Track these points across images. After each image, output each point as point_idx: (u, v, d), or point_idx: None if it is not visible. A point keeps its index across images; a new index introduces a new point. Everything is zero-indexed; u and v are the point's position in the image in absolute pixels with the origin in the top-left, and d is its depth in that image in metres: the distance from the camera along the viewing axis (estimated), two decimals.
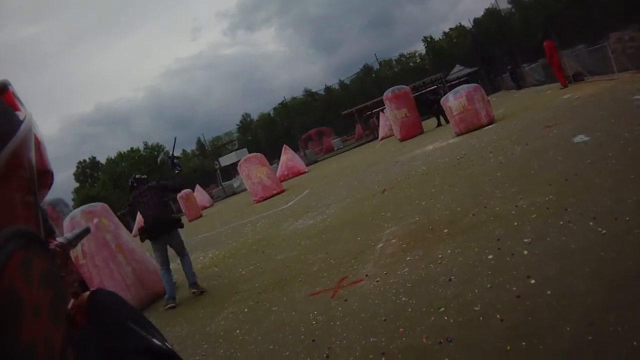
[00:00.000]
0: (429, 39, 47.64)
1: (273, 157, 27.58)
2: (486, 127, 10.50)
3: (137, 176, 5.40)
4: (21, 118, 0.35)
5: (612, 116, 5.88)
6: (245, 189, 19.37)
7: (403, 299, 2.91)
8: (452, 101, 11.23)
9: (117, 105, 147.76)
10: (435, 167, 7.49)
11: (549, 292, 2.27)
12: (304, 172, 20.48)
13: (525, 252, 2.85)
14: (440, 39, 47.79)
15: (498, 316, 2.25)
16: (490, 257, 3.00)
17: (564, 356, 1.81)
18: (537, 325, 2.05)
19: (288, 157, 21.20)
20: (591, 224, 2.88)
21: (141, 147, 51.12)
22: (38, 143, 0.59)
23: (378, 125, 26.98)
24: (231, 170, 32.22)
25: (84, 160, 51.38)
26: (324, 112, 42.72)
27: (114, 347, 0.56)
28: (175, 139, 5.94)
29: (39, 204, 0.37)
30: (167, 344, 0.59)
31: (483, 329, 2.20)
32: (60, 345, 0.32)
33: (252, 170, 14.78)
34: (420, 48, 48.33)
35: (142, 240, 5.12)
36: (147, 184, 5.16)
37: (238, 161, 16.91)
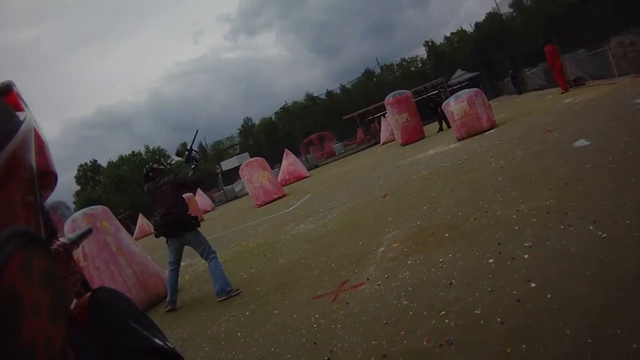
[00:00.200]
0: (430, 44, 47.62)
1: (274, 161, 27.55)
2: (487, 132, 10.52)
3: (155, 165, 5.02)
4: (21, 118, 0.35)
5: (612, 120, 5.90)
6: (247, 193, 19.37)
7: (404, 302, 2.92)
8: (454, 106, 11.26)
9: (119, 109, 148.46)
10: (437, 171, 7.51)
11: (549, 296, 2.28)
12: (306, 177, 20.50)
13: (526, 256, 2.86)
14: (441, 44, 47.75)
15: (498, 319, 2.26)
16: (491, 261, 3.01)
17: (564, 359, 1.82)
18: (538, 328, 2.06)
19: (289, 161, 21.20)
20: (591, 227, 2.89)
21: (142, 151, 51.23)
22: (42, 144, 0.59)
23: (379, 130, 26.95)
24: (233, 175, 32.28)
25: (85, 163, 51.40)
26: (325, 117, 42.66)
27: (114, 346, 0.55)
28: (197, 131, 5.14)
29: (40, 205, 0.37)
30: (168, 343, 0.59)
31: (484, 332, 2.21)
32: (60, 345, 0.32)
33: (254, 174, 14.82)
34: (422, 52, 48.21)
35: (156, 236, 4.88)
36: (164, 177, 4.82)
37: (239, 165, 16.94)
